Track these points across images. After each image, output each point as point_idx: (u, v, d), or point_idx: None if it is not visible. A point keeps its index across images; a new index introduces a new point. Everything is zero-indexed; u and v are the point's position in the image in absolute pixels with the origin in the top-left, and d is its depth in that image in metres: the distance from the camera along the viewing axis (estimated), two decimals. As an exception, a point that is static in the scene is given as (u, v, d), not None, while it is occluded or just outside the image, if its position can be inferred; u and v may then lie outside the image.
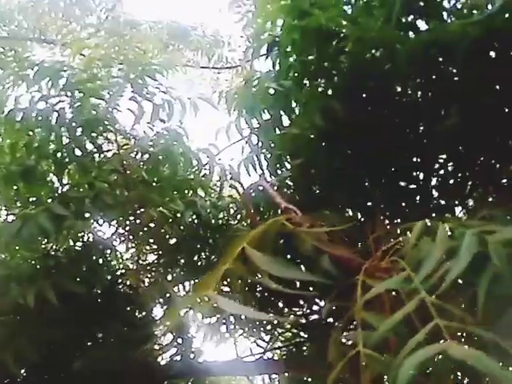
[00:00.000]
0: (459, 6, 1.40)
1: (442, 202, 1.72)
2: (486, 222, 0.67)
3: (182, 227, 1.85)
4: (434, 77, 1.10)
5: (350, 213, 1.40)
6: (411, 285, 0.61)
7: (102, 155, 2.36)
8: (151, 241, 2.07)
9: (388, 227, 0.92)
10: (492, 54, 1.01)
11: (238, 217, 2.08)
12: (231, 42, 4.98)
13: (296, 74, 1.33)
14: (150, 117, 2.39)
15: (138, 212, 1.88)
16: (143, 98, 2.24)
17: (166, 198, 2.13)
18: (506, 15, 0.91)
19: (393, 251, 0.75)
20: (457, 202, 1.74)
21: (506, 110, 1.19)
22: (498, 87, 1.06)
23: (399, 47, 1.07)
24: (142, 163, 2.32)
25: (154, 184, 2.19)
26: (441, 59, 1.03)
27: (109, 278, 2.17)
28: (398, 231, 0.81)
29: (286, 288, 0.73)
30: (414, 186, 1.61)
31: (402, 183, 1.51)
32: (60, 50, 3.58)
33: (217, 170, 2.22)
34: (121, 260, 2.52)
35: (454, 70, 1.04)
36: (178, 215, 1.97)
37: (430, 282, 0.60)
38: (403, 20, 1.31)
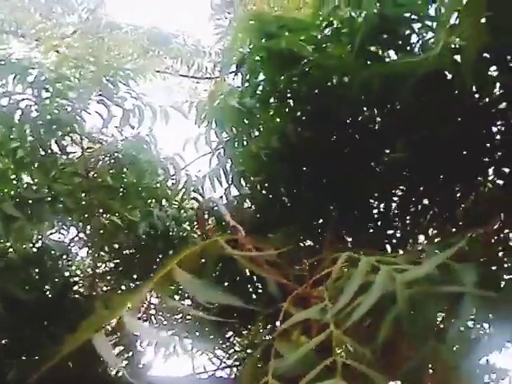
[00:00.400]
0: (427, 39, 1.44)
1: (407, 229, 1.75)
2: (409, 258, 0.67)
3: (138, 237, 1.80)
4: (391, 107, 1.12)
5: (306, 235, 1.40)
6: (326, 316, 0.61)
7: (65, 157, 2.30)
8: (107, 248, 2.01)
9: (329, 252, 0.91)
10: (438, 92, 1.03)
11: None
12: (212, 53, 4.98)
13: (261, 93, 1.33)
14: (119, 122, 2.36)
15: (96, 218, 1.83)
16: (113, 103, 2.21)
17: (128, 205, 2.09)
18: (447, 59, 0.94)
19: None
20: (418, 230, 1.77)
21: (462, 145, 1.22)
22: (450, 122, 1.09)
23: (356, 76, 1.09)
24: (106, 168, 2.28)
25: (118, 190, 2.14)
26: (396, 92, 1.05)
27: (62, 283, 2.09)
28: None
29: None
30: (375, 212, 1.63)
31: (363, 208, 1.52)
32: (35, 45, 3.50)
33: (182, 181, 2.20)
34: (82, 266, 2.45)
35: (409, 103, 1.06)
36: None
37: (341, 314, 0.59)
38: (372, 49, 1.33)
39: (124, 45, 4.41)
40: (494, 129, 1.27)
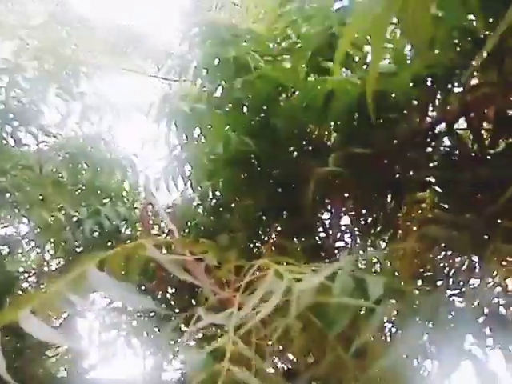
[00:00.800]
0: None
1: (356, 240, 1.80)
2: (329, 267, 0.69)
3: (85, 235, 1.77)
4: (336, 123, 1.17)
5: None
6: (232, 322, 0.63)
7: (19, 149, 2.24)
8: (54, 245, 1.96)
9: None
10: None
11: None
12: (181, 55, 4.91)
13: (213, 99, 1.35)
14: (78, 117, 2.32)
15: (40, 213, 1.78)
16: (72, 98, 2.17)
17: (81, 202, 2.05)
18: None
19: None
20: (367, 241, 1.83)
21: (402, 164, 1.28)
22: (389, 142, 1.14)
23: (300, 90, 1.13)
24: (64, 163, 2.23)
25: (69, 186, 2.10)
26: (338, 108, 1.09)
27: (4, 280, 2.02)
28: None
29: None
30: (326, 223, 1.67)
31: (310, 217, 1.54)
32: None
33: (140, 181, 2.19)
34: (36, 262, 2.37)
35: (348, 121, 1.11)
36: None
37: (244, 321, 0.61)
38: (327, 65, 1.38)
39: (92, 40, 4.32)
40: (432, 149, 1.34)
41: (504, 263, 1.21)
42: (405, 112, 1.13)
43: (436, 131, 1.26)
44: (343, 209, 1.71)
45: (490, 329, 0.66)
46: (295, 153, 1.25)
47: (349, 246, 1.65)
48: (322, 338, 0.71)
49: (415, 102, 1.13)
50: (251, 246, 1.38)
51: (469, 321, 0.68)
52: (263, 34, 1.39)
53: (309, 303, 0.59)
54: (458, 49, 1.14)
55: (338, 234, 1.63)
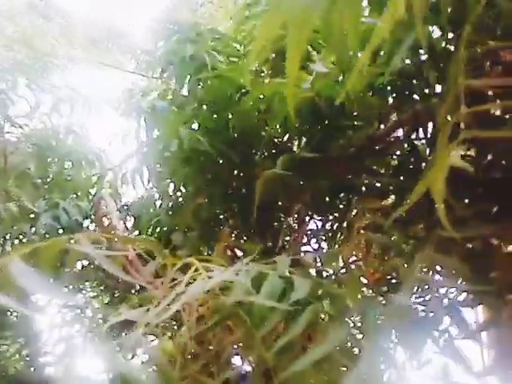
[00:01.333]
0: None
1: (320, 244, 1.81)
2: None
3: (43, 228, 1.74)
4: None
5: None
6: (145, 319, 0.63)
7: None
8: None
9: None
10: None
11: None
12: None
13: (181, 97, 1.35)
14: (49, 110, 2.29)
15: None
16: (41, 89, 2.14)
17: (45, 195, 2.02)
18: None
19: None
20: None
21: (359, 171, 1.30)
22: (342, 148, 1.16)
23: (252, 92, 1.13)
24: (28, 155, 2.19)
25: (38, 180, 2.07)
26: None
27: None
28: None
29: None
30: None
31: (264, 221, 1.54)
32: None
33: (105, 175, 2.16)
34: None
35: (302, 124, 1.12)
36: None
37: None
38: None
39: (73, 35, 4.26)
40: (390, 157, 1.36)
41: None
42: (363, 119, 1.14)
43: (393, 139, 1.28)
44: (296, 212, 1.71)
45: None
46: (253, 155, 1.25)
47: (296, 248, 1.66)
48: (252, 337, 0.71)
49: (374, 110, 1.14)
50: (205, 245, 1.38)
51: (395, 324, 0.70)
52: (231, 34, 1.40)
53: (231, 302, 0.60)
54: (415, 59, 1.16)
55: (297, 238, 1.64)
